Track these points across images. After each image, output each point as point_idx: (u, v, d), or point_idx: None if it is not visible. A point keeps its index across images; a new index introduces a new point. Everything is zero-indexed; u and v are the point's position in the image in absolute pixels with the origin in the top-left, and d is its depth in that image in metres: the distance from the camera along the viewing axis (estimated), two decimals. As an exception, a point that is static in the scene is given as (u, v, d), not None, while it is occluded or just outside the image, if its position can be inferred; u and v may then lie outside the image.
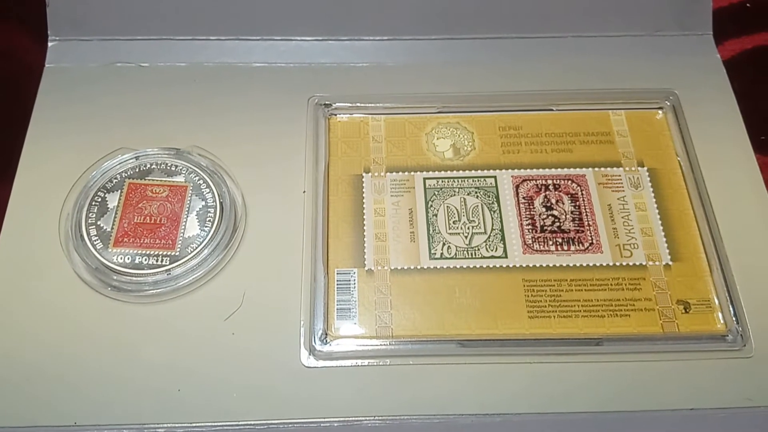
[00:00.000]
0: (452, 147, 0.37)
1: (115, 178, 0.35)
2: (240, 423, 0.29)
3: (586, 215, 0.35)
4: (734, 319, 0.32)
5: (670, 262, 0.34)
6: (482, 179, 0.36)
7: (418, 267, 0.33)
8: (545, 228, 0.35)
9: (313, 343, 0.31)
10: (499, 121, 0.38)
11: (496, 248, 0.34)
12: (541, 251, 0.34)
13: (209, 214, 0.34)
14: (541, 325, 0.32)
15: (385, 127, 0.38)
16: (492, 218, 0.35)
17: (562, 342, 0.31)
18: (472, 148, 0.37)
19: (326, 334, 0.31)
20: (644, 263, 0.33)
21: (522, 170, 0.36)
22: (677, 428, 0.30)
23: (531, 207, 0.35)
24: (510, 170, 0.36)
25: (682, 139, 0.37)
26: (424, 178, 0.36)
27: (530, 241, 0.34)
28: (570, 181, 0.36)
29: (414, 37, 0.40)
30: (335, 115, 0.38)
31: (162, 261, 0.32)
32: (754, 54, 0.42)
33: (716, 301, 0.33)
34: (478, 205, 0.35)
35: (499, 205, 0.35)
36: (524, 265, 0.33)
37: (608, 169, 0.36)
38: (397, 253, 0.34)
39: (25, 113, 0.38)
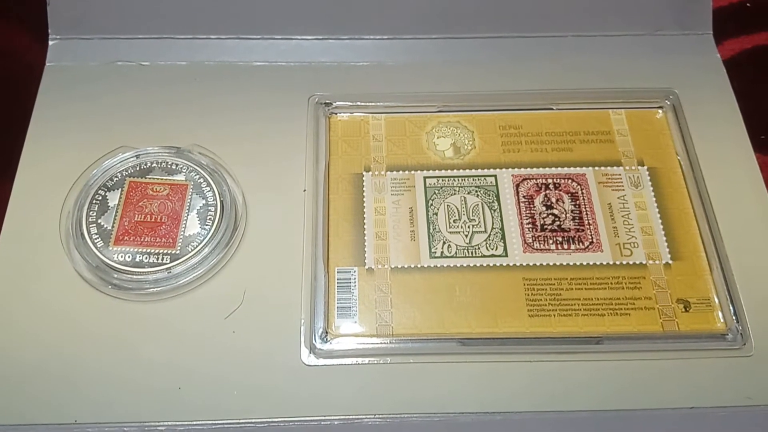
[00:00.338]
0: (452, 146, 0.37)
1: (116, 177, 0.35)
2: (241, 421, 0.29)
3: (587, 214, 0.35)
4: (734, 318, 0.32)
5: (670, 261, 0.34)
6: (482, 178, 0.36)
7: (419, 266, 0.33)
8: (545, 227, 0.35)
9: (314, 342, 0.31)
10: (500, 120, 0.38)
11: (497, 247, 0.34)
12: (541, 250, 0.34)
13: (210, 213, 0.34)
14: (541, 323, 0.32)
15: (385, 126, 0.38)
16: (492, 217, 0.35)
17: (562, 341, 0.31)
18: (472, 147, 0.37)
19: (327, 333, 0.31)
20: (644, 262, 0.34)
21: (522, 169, 0.36)
22: (677, 427, 0.30)
23: (531, 206, 0.35)
24: (510, 169, 0.36)
25: (682, 139, 0.37)
26: (425, 177, 0.36)
27: (530, 240, 0.34)
28: (570, 180, 0.36)
29: (414, 37, 0.40)
30: (336, 113, 0.38)
31: (162, 259, 0.32)
32: (754, 53, 0.42)
33: (716, 300, 0.33)
34: (478, 204, 0.35)
35: (499, 204, 0.35)
36: (524, 264, 0.33)
37: (608, 168, 0.36)
38: (397, 252, 0.34)
39: (25, 112, 0.38)
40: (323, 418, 0.29)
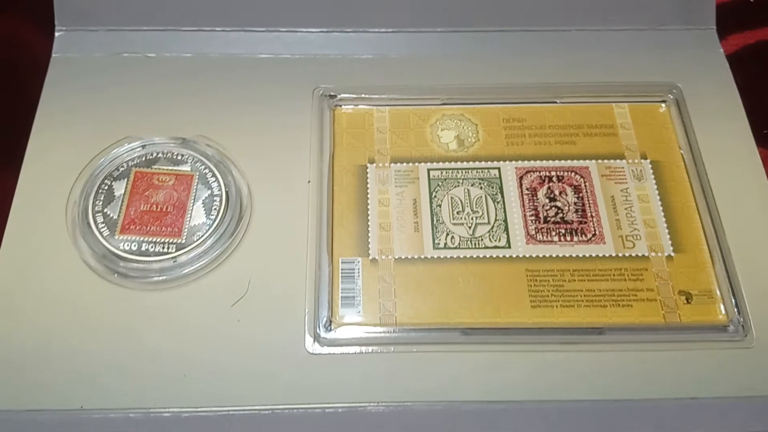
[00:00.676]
0: (456, 138, 0.38)
1: (122, 167, 0.35)
2: (245, 408, 0.30)
3: (589, 206, 0.35)
4: (735, 309, 0.32)
5: (672, 254, 0.34)
6: (486, 170, 0.36)
7: (422, 256, 0.34)
8: (548, 219, 0.35)
9: (318, 331, 0.31)
10: (503, 113, 0.38)
11: (500, 238, 0.34)
12: (544, 242, 0.34)
13: (215, 203, 0.34)
14: (544, 314, 0.32)
15: (389, 118, 0.38)
16: (495, 209, 0.35)
17: (564, 331, 0.32)
18: (476, 140, 0.37)
19: (331, 322, 0.32)
20: (646, 254, 0.34)
21: (526, 162, 0.37)
22: (678, 417, 0.30)
23: (534, 198, 0.35)
24: (514, 162, 0.37)
25: (685, 132, 0.38)
26: (428, 169, 0.36)
27: (533, 232, 0.34)
28: (573, 173, 0.36)
29: (419, 30, 0.40)
30: (340, 106, 0.38)
31: (168, 248, 0.33)
32: (757, 49, 0.43)
33: (718, 292, 0.33)
34: (481, 196, 0.36)
35: (502, 196, 0.35)
36: (527, 256, 0.34)
37: (611, 161, 0.37)
38: (401, 243, 0.34)
39: (32, 103, 0.38)
40: (327, 405, 0.30)
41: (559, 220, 0.35)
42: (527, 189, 0.36)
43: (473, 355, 0.31)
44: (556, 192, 0.36)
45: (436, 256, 0.34)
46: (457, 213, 0.35)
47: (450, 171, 0.36)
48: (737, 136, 0.38)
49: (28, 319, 0.32)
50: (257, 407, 0.30)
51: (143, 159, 0.35)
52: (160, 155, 0.35)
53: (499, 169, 0.36)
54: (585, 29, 0.41)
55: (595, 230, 0.34)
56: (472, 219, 0.35)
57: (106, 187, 0.34)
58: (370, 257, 0.34)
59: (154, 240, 0.33)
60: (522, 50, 0.40)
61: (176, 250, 0.32)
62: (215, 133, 0.37)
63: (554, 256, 0.34)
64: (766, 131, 0.38)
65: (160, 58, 0.40)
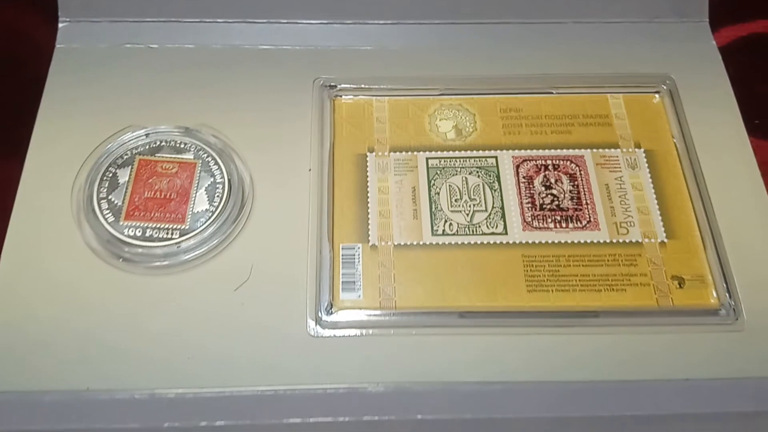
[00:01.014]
0: (454, 128, 0.38)
1: (126, 155, 0.35)
2: (248, 389, 0.30)
3: (585, 194, 0.36)
4: (727, 294, 0.33)
5: (666, 240, 0.35)
6: (483, 159, 0.37)
7: (421, 243, 0.34)
8: (544, 206, 0.36)
9: (319, 314, 0.32)
10: (500, 104, 0.39)
11: (497, 225, 0.35)
12: (540, 228, 0.35)
13: (218, 190, 0.35)
14: (540, 298, 0.33)
15: (388, 108, 0.39)
16: (493, 197, 0.36)
17: (559, 314, 0.32)
18: (473, 129, 0.38)
19: (332, 305, 0.32)
20: (640, 240, 0.34)
21: (522, 151, 0.37)
22: (671, 398, 0.31)
23: (531, 186, 0.36)
24: (511, 151, 0.37)
25: (678, 122, 0.38)
26: (427, 158, 0.37)
27: (530, 219, 0.35)
28: (569, 162, 0.37)
29: (417, 22, 0.41)
30: (340, 96, 0.39)
31: (172, 234, 0.33)
32: (749, 41, 0.43)
33: (710, 277, 0.34)
34: (479, 184, 0.36)
35: (499, 184, 0.36)
36: (524, 242, 0.34)
37: (606, 150, 0.37)
38: (400, 229, 0.35)
39: (36, 92, 0.38)
40: (328, 386, 0.30)
41: (554, 207, 0.35)
42: (524, 177, 0.36)
43: (470, 337, 0.32)
44: (552, 180, 0.36)
45: (434, 243, 0.34)
46: (455, 200, 0.36)
47: (448, 160, 0.37)
48: (729, 126, 0.38)
49: (35, 303, 0.32)
50: (260, 388, 0.30)
51: (147, 147, 0.36)
52: (163, 144, 0.36)
53: (496, 157, 0.37)
54: (580, 21, 0.41)
55: (590, 217, 0.35)
56: (469, 206, 0.35)
57: (111, 175, 0.35)
58: (370, 243, 0.34)
59: (158, 226, 0.33)
60: (519, 42, 0.41)
61: (180, 236, 0.33)
62: (217, 123, 0.37)
63: (550, 242, 0.34)
64: (757, 121, 0.39)
65: (163, 49, 0.40)
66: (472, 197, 0.36)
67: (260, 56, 0.40)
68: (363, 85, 0.39)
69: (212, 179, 0.35)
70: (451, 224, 0.35)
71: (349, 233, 0.35)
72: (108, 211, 0.34)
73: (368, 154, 0.37)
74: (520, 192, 0.36)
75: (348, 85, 0.39)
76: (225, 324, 0.32)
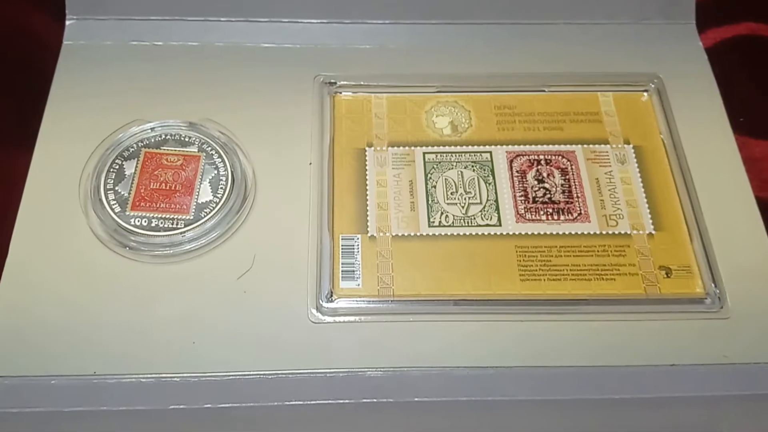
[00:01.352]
0: (450, 124, 0.40)
1: (132, 147, 0.36)
2: (251, 373, 0.31)
3: (575, 188, 0.37)
4: (712, 283, 0.34)
5: (653, 231, 0.36)
6: (478, 154, 0.38)
7: (418, 234, 0.36)
8: (537, 199, 0.37)
9: (320, 301, 0.33)
10: (495, 101, 0.40)
11: (491, 217, 0.36)
12: (533, 220, 0.36)
13: (221, 182, 0.36)
14: (532, 287, 0.34)
15: (386, 104, 0.40)
16: (487, 190, 0.37)
17: (551, 302, 0.34)
18: (469, 126, 0.39)
19: (332, 293, 0.33)
20: (629, 232, 0.36)
21: (516, 146, 0.39)
22: (658, 382, 0.32)
23: (524, 180, 0.37)
24: (504, 146, 0.39)
25: (666, 119, 0.40)
26: (424, 153, 0.38)
27: (523, 211, 0.36)
28: (560, 157, 0.38)
29: (415, 22, 0.42)
30: (339, 93, 0.40)
31: (177, 224, 0.34)
32: (735, 42, 0.45)
33: (696, 267, 0.35)
34: (474, 178, 0.37)
35: (494, 178, 0.37)
36: (517, 233, 0.36)
37: (596, 146, 0.39)
38: (398, 221, 0.36)
39: (44, 88, 0.39)
40: (329, 370, 0.31)
41: (546, 200, 0.37)
42: (517, 171, 0.38)
43: (465, 324, 0.33)
44: (544, 174, 0.38)
45: (431, 234, 0.36)
46: (451, 193, 0.37)
47: (444, 154, 0.38)
48: (715, 123, 0.40)
49: (43, 290, 0.33)
50: (262, 372, 0.31)
51: (153, 140, 0.37)
52: (168, 137, 0.37)
53: (490, 152, 0.38)
54: (572, 23, 0.43)
55: (580, 210, 0.36)
56: (465, 199, 0.37)
57: (118, 166, 0.36)
58: (369, 234, 0.35)
59: (164, 216, 0.34)
60: (512, 42, 0.42)
61: (185, 226, 0.34)
62: (221, 118, 0.38)
63: (542, 233, 0.36)
64: (741, 119, 0.41)
65: (167, 46, 0.41)
66: (468, 190, 0.37)
67: (262, 54, 0.41)
68: (362, 82, 0.40)
69: (216, 172, 0.36)
70: (447, 216, 0.36)
71: (348, 224, 0.36)
72: (115, 202, 0.35)
73: (367, 148, 0.38)
74: (513, 185, 0.37)
75: (347, 82, 0.40)
76: (228, 311, 0.33)
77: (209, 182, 0.36)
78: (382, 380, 0.31)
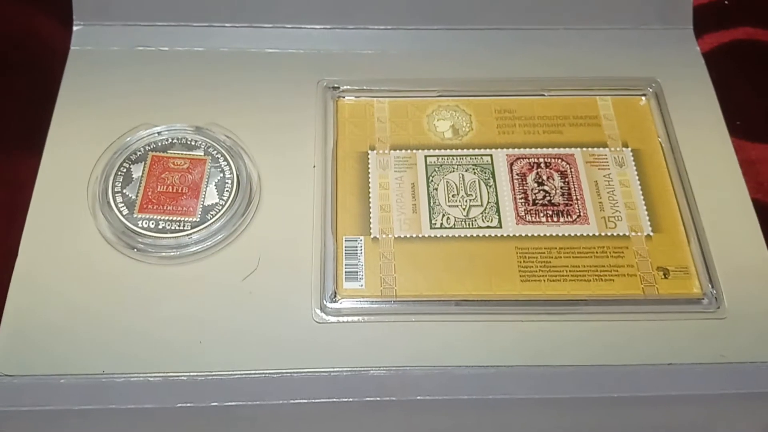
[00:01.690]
0: (451, 128, 0.40)
1: (139, 151, 0.37)
2: (257, 372, 0.32)
3: (575, 190, 0.38)
4: (709, 284, 0.35)
5: (651, 233, 0.36)
6: (479, 157, 0.39)
7: (420, 235, 0.36)
8: (537, 201, 0.37)
9: (324, 302, 0.34)
10: (495, 105, 0.41)
11: (492, 219, 0.37)
12: (532, 222, 0.37)
13: (227, 185, 0.36)
14: (532, 287, 0.35)
15: (389, 108, 0.41)
16: (488, 192, 0.38)
17: (551, 302, 0.34)
18: (470, 129, 0.40)
19: (336, 294, 0.34)
20: (627, 234, 0.36)
21: (516, 149, 0.39)
22: (656, 381, 0.32)
23: (524, 183, 0.38)
24: (505, 149, 0.39)
25: (664, 123, 0.40)
26: (426, 156, 0.39)
27: (523, 213, 0.37)
28: (560, 160, 0.39)
29: (417, 27, 0.43)
30: (342, 97, 0.41)
31: (183, 226, 0.35)
32: (732, 47, 0.46)
33: (693, 268, 0.35)
34: (475, 181, 0.38)
35: (494, 181, 0.38)
36: (517, 235, 0.36)
37: (595, 149, 0.39)
38: (400, 223, 0.37)
39: (52, 93, 0.40)
40: (332, 369, 0.32)
41: (546, 202, 0.37)
42: (517, 174, 0.38)
43: (466, 324, 0.34)
44: (544, 177, 0.38)
45: (432, 235, 0.36)
46: (453, 196, 0.38)
47: (446, 157, 0.39)
48: (712, 126, 0.40)
49: (52, 291, 0.34)
50: (268, 371, 0.32)
51: (159, 144, 0.38)
52: (175, 141, 0.38)
53: (491, 156, 0.39)
54: (571, 28, 0.43)
55: (579, 212, 0.37)
56: (466, 201, 0.37)
57: (125, 170, 0.36)
58: (372, 236, 0.36)
59: (170, 219, 0.35)
60: (513, 47, 0.43)
61: (191, 228, 0.35)
62: (226, 122, 0.39)
63: (542, 235, 0.36)
64: (738, 122, 0.41)
65: (173, 51, 0.42)
66: (469, 193, 0.38)
67: (266, 59, 0.42)
68: (365, 87, 0.41)
69: (222, 175, 0.37)
70: (448, 218, 0.37)
71: (351, 226, 0.36)
72: (122, 204, 0.35)
73: (370, 152, 0.39)
74: (513, 188, 0.38)
75: (350, 87, 0.41)
76: (234, 311, 0.33)
77: (215, 185, 0.36)
78: (385, 379, 0.32)
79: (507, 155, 0.39)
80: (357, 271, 0.35)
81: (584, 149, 0.39)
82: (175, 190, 0.36)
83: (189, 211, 0.35)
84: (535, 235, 0.36)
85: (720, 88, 0.42)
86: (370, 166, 0.38)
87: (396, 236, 0.36)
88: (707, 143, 0.40)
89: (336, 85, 0.41)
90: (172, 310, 0.33)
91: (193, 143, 0.38)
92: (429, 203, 0.37)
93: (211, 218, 0.35)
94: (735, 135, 0.40)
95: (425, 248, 0.36)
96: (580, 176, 0.38)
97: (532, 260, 0.35)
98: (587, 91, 0.41)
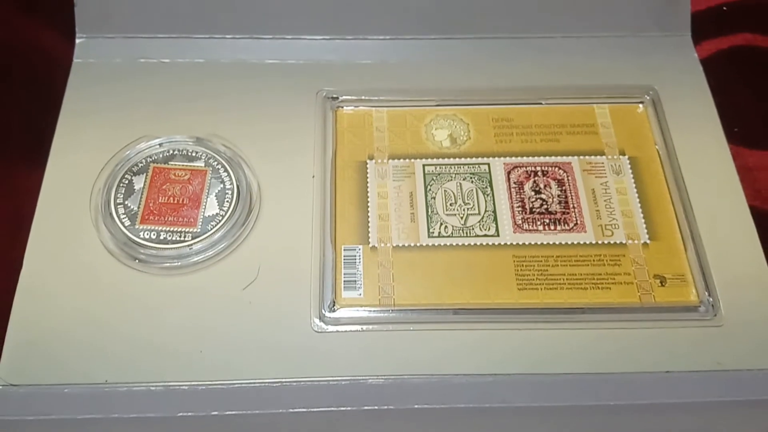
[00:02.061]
0: (449, 137, 0.41)
1: (141, 162, 0.38)
2: (256, 381, 0.32)
3: (572, 198, 0.38)
4: (706, 292, 0.35)
5: (648, 241, 0.37)
6: (477, 166, 0.39)
7: (418, 244, 0.36)
8: (534, 210, 0.38)
9: (323, 311, 0.34)
10: (493, 114, 0.41)
11: (489, 228, 0.37)
12: (530, 230, 0.37)
13: (227, 196, 0.37)
14: (530, 296, 0.35)
15: (387, 118, 0.41)
16: (485, 201, 0.38)
17: (548, 311, 0.34)
18: (467, 138, 0.40)
19: (334, 303, 0.34)
20: (624, 242, 0.37)
21: (513, 158, 0.39)
22: (653, 389, 0.33)
23: (521, 191, 0.38)
24: (502, 158, 0.40)
25: (661, 131, 0.40)
26: (424, 165, 0.39)
27: (520, 222, 0.37)
28: (557, 168, 0.39)
29: (415, 37, 0.43)
30: (341, 107, 0.41)
31: (184, 237, 0.35)
32: (729, 53, 0.46)
33: (690, 276, 0.36)
34: (472, 189, 0.38)
35: (492, 189, 0.38)
36: (514, 243, 0.36)
37: (592, 157, 0.40)
38: (398, 232, 0.37)
39: (55, 105, 0.41)
40: (331, 378, 0.32)
41: (543, 210, 0.38)
42: (514, 183, 0.39)
43: (464, 332, 0.34)
44: (541, 185, 0.39)
45: (430, 244, 0.37)
46: (450, 205, 0.38)
47: (443, 166, 0.39)
48: (710, 134, 0.40)
49: (56, 301, 0.34)
50: (267, 380, 0.32)
51: (161, 156, 0.38)
52: (176, 152, 0.38)
53: (488, 164, 0.39)
54: (569, 36, 0.44)
55: (576, 220, 0.37)
56: (464, 210, 0.38)
57: (127, 181, 0.37)
58: (370, 245, 0.36)
59: (172, 229, 0.36)
60: (510, 56, 0.43)
61: (192, 239, 0.35)
62: (226, 133, 0.39)
63: (539, 243, 0.36)
64: (736, 129, 0.41)
65: (174, 63, 0.43)
66: (466, 201, 0.38)
67: (266, 70, 0.43)
68: (363, 97, 0.42)
69: (222, 185, 0.37)
70: (446, 227, 0.37)
71: (350, 235, 0.37)
72: (124, 216, 0.36)
73: (368, 161, 0.39)
74: (511, 196, 0.38)
75: (349, 97, 0.41)
76: (234, 320, 0.34)
77: (215, 196, 0.37)
78: (383, 387, 0.32)
79: (504, 164, 0.39)
80: (356, 280, 0.35)
81: (581, 157, 0.39)
82: (176, 201, 0.36)
83: (190, 222, 0.36)
84: (533, 243, 0.36)
85: (718, 94, 0.42)
86: (368, 175, 0.39)
87: (394, 245, 0.36)
88: (705, 150, 0.40)
89: (335, 95, 0.41)
90: (174, 319, 0.34)
91: (193, 154, 0.38)
92: (427, 212, 0.38)
93: (211, 229, 0.36)
94: (733, 142, 0.40)
95: (423, 257, 0.36)
96: (577, 184, 0.39)
97: (530, 269, 0.36)
98: (584, 100, 0.42)
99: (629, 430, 0.33)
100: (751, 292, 0.35)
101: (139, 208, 0.36)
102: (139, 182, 0.37)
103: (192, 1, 0.42)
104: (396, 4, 0.43)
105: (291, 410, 0.32)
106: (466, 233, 0.37)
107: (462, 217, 0.37)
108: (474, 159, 0.39)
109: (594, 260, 0.36)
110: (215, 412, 0.32)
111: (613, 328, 0.34)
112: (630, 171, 0.39)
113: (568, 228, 0.37)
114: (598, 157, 0.40)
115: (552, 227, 0.37)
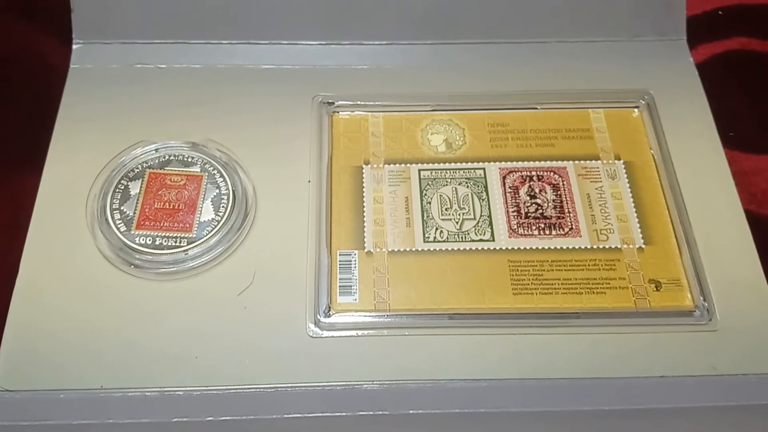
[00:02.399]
0: (445, 142, 0.41)
1: (137, 168, 0.38)
2: (251, 387, 0.32)
3: (567, 203, 0.38)
4: (701, 296, 0.35)
5: (643, 246, 0.37)
6: (472, 171, 0.39)
7: (414, 249, 0.37)
8: (529, 214, 0.38)
9: (318, 316, 0.34)
10: (488, 119, 0.41)
11: (485, 232, 0.37)
12: (525, 235, 0.37)
13: (223, 201, 0.37)
14: (525, 300, 0.35)
15: (383, 123, 0.41)
16: (481, 206, 0.38)
17: (543, 316, 0.34)
18: (463, 143, 0.41)
19: (330, 308, 0.35)
20: (619, 246, 0.37)
21: (509, 163, 0.40)
22: (648, 393, 0.33)
23: (516, 196, 0.38)
24: (498, 163, 0.40)
25: (656, 135, 0.41)
26: (419, 170, 0.39)
27: (515, 226, 0.37)
28: (552, 173, 0.39)
29: (410, 42, 0.44)
30: (337, 112, 0.42)
31: (180, 242, 0.35)
32: (725, 57, 0.46)
33: (685, 281, 0.36)
34: (468, 194, 0.39)
35: (487, 194, 0.38)
36: (510, 248, 0.37)
37: (587, 162, 0.40)
38: (394, 237, 0.37)
39: (52, 110, 0.41)
40: (326, 384, 0.32)
41: (539, 215, 0.38)
42: (510, 187, 0.39)
43: (459, 337, 0.34)
44: (537, 190, 0.39)
45: (426, 249, 0.37)
46: (446, 209, 0.38)
47: (439, 171, 0.39)
48: (705, 138, 0.40)
49: (52, 307, 0.34)
50: (262, 385, 0.32)
51: (157, 161, 0.38)
52: (172, 158, 0.38)
53: (484, 169, 0.39)
54: (564, 41, 0.44)
55: (571, 224, 0.37)
56: (459, 215, 0.38)
57: (123, 187, 0.37)
58: (366, 250, 0.37)
59: (167, 235, 0.36)
60: (505, 61, 0.43)
61: (187, 244, 0.35)
62: (222, 138, 0.39)
63: (534, 248, 0.37)
64: (731, 134, 0.41)
65: (171, 69, 0.43)
66: (462, 206, 0.38)
67: (262, 75, 0.43)
68: (359, 102, 0.42)
69: (218, 191, 0.37)
70: (441, 232, 0.37)
71: (346, 240, 0.37)
72: (120, 221, 0.36)
73: (364, 166, 0.40)
74: (506, 201, 0.38)
75: (345, 102, 0.42)
76: (229, 326, 0.34)
77: (211, 201, 0.37)
78: (378, 393, 0.32)
79: (500, 168, 0.39)
80: (351, 286, 0.35)
81: (576, 162, 0.40)
82: (172, 207, 0.37)
83: (186, 227, 0.36)
84: (528, 248, 0.37)
85: (714, 98, 0.42)
86: (364, 180, 0.39)
87: (390, 250, 0.37)
88: (700, 155, 0.40)
89: (331, 101, 0.42)
90: (169, 325, 0.34)
91: (189, 160, 0.38)
92: (422, 217, 0.38)
93: (207, 234, 0.36)
94: (728, 146, 0.40)
95: (419, 262, 0.36)
96: (572, 189, 0.39)
97: (525, 273, 0.36)
98: (580, 104, 0.42)
99: (624, 435, 0.33)
100: (747, 296, 0.35)
101: (134, 213, 0.36)
102: (135, 188, 0.37)
103: (188, 7, 0.43)
104: (392, 9, 0.43)
105: (286, 416, 0.32)
106: (462, 238, 0.37)
107: (457, 222, 0.37)
108: (469, 164, 0.40)
109: (589, 265, 0.36)
110: (210, 418, 0.32)
111: (608, 332, 0.34)
112: (625, 175, 0.39)
113: (563, 233, 0.37)
114: (594, 161, 0.40)
115: (547, 232, 0.37)
